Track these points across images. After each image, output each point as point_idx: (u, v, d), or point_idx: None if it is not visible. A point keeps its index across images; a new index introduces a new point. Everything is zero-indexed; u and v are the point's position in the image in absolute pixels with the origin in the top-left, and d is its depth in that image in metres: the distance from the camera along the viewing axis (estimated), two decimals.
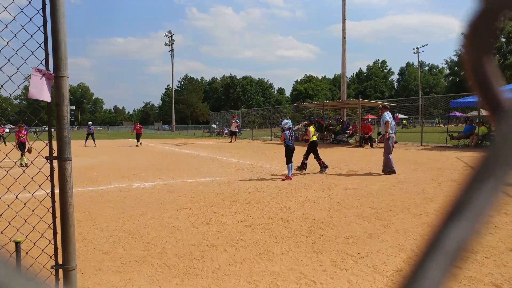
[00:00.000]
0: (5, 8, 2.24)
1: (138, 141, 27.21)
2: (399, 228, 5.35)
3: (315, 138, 11.26)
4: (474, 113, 30.83)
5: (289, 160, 10.03)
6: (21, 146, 13.50)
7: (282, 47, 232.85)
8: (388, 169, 10.63)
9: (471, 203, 0.29)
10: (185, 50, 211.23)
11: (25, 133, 13.79)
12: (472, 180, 0.29)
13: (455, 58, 64.68)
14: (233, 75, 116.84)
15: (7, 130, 28.12)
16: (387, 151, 10.66)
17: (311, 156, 11.21)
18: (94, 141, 27.60)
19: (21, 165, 12.23)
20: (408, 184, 8.89)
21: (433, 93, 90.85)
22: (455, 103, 21.32)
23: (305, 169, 11.39)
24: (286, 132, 10.24)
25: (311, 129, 11.21)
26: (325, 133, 27.21)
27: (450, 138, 20.08)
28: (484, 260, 4.01)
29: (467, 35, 0.33)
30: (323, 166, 11.06)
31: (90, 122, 30.17)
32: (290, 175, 9.98)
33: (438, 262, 0.26)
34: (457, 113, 49.83)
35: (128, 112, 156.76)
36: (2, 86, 2.29)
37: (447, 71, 77.07)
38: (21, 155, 12.99)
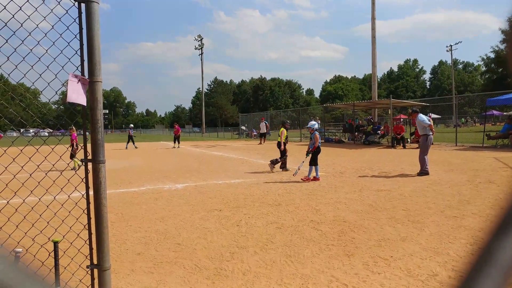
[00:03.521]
0: (44, 17, 2.32)
1: (174, 142, 28.19)
2: (434, 231, 5.19)
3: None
4: None
5: (316, 161, 9.96)
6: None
7: (308, 48, 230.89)
8: (421, 170, 10.37)
9: None
10: (212, 53, 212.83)
11: (74, 136, 14.03)
12: None
13: (492, 55, 62.00)
14: (262, 77, 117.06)
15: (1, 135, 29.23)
16: (424, 152, 10.40)
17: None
18: (133, 143, 28.53)
19: (73, 168, 12.57)
20: (443, 185, 8.62)
21: (468, 91, 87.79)
22: (492, 101, 20.50)
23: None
24: (318, 133, 10.24)
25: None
26: (356, 133, 26.79)
27: (487, 138, 19.32)
28: None
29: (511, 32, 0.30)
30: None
31: (132, 125, 30.75)
32: (318, 175, 9.92)
33: (490, 277, 0.24)
34: (495, 112, 47.81)
35: (160, 115, 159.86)
36: (41, 92, 2.38)
37: (484, 69, 74.08)
38: (74, 158, 13.51)
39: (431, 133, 10.57)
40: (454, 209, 6.40)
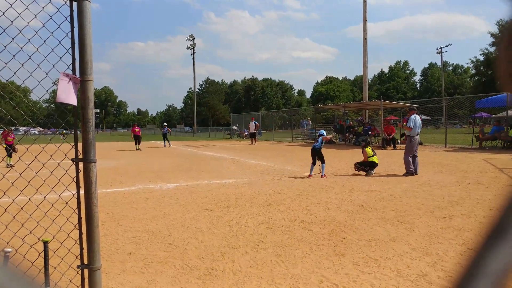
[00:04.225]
0: (35, 15, 2.31)
1: (136, 144, 25.48)
2: (423, 232, 5.24)
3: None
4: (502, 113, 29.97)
5: (315, 160, 10.53)
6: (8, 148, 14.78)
7: (299, 49, 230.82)
8: (406, 170, 10.50)
9: None
10: (204, 53, 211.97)
11: (12, 136, 15.27)
12: None
13: (481, 57, 62.86)
14: (254, 77, 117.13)
15: None
16: (408, 152, 10.56)
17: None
18: (168, 141, 28.62)
19: (7, 165, 13.43)
20: (432, 186, 8.71)
21: (458, 93, 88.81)
22: (481, 103, 20.76)
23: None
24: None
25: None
26: (347, 134, 26.94)
27: (476, 140, 19.57)
28: None
29: (504, 37, 0.31)
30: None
31: (165, 124, 30.65)
32: (311, 173, 10.37)
33: (480, 285, 0.24)
34: (484, 114, 48.40)
35: (152, 114, 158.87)
36: (32, 90, 2.36)
37: (473, 71, 75.03)
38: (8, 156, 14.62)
39: (414, 134, 10.76)
40: (444, 209, 6.47)
